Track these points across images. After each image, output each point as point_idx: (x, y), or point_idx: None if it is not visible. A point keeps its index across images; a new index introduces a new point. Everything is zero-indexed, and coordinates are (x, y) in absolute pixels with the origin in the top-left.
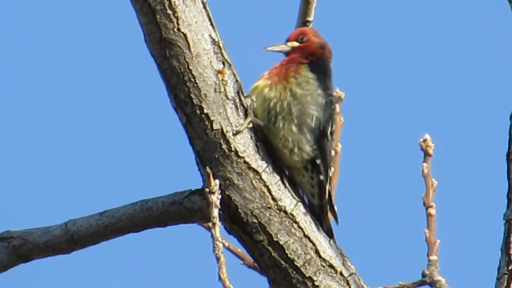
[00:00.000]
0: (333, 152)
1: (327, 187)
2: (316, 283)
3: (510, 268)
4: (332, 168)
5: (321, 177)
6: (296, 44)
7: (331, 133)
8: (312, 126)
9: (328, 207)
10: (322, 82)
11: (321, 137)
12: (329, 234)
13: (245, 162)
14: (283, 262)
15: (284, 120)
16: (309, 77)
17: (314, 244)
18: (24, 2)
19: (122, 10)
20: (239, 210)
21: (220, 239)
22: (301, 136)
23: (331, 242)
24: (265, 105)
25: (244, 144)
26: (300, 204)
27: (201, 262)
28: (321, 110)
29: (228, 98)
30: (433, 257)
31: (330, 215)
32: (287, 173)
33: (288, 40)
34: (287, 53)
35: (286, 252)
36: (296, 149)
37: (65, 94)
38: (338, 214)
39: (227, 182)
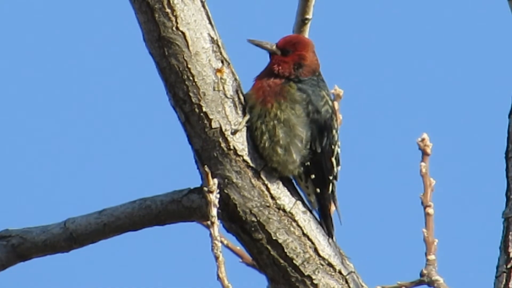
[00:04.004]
0: (339, 150)
1: (328, 195)
2: (315, 282)
3: (509, 266)
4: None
5: (318, 189)
6: (278, 52)
7: (330, 137)
8: (300, 146)
9: (328, 210)
10: (312, 96)
11: (313, 154)
12: (329, 234)
13: (243, 160)
14: (282, 261)
15: (271, 141)
16: (295, 99)
17: (313, 243)
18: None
19: (121, 9)
20: (238, 208)
21: (218, 238)
22: (287, 157)
23: (330, 240)
24: (253, 121)
25: (242, 143)
26: (299, 202)
27: (200, 260)
28: (310, 129)
29: (227, 97)
30: (431, 257)
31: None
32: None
33: (278, 43)
34: (270, 53)
35: (285, 250)
36: (280, 168)
37: (63, 92)
38: (341, 215)
39: (226, 180)
